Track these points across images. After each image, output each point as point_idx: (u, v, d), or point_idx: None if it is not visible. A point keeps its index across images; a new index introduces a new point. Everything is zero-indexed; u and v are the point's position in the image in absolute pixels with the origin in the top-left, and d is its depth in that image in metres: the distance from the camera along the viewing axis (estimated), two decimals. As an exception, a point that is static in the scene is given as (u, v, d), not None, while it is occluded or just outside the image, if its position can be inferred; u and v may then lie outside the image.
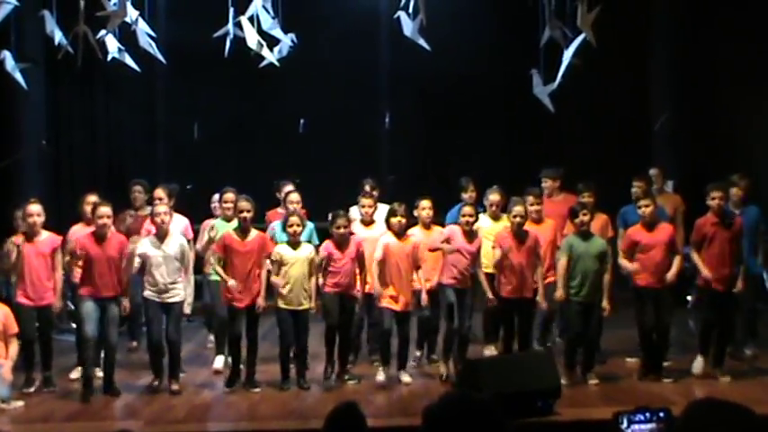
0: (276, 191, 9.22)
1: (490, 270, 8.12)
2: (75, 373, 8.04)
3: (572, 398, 7.22)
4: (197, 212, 9.20)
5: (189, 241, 8.33)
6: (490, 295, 7.99)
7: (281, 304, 7.74)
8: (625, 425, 4.67)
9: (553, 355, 7.79)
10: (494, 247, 7.96)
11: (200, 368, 8.56)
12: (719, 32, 12.30)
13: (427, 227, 8.17)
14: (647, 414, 4.64)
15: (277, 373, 7.87)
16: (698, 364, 7.90)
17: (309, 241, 8.21)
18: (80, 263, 7.67)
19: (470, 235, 7.87)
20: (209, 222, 8.80)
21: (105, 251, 7.58)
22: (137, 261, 7.71)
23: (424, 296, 7.90)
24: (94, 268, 7.54)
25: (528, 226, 8.08)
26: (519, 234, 7.88)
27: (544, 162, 9.51)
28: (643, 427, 4.63)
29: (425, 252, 7.94)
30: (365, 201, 8.47)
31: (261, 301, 7.75)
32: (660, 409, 4.39)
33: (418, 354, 8.59)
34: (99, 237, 7.60)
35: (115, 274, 7.61)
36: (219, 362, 8.25)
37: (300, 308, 7.75)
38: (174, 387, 7.69)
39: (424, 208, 8.14)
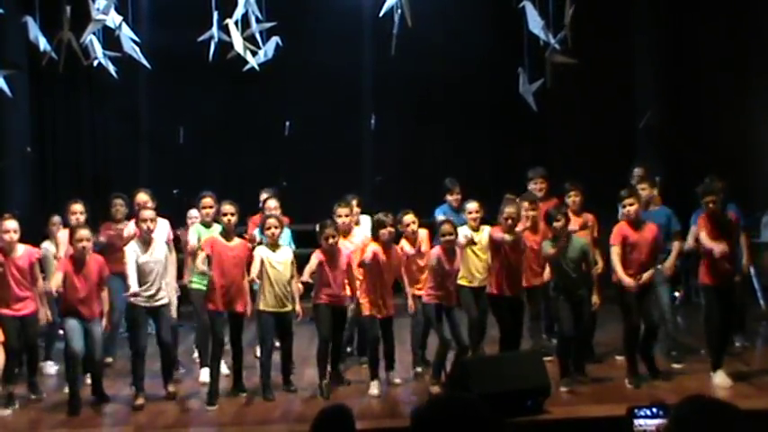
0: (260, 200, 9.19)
1: (464, 283, 8.10)
2: (50, 369, 8.05)
3: (561, 396, 7.23)
4: (183, 217, 9.17)
5: (168, 243, 8.26)
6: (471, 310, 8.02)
7: (262, 307, 7.64)
8: (635, 419, 4.70)
9: (542, 354, 7.81)
10: (492, 243, 7.94)
11: (188, 374, 8.53)
12: (703, 29, 12.37)
13: (412, 242, 8.05)
14: (654, 409, 4.66)
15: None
16: (719, 378, 7.55)
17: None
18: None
19: (451, 253, 7.78)
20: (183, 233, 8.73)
21: (86, 277, 7.49)
22: (132, 273, 7.53)
23: (410, 302, 7.87)
24: (75, 293, 7.44)
25: (525, 234, 8.09)
26: (510, 235, 7.86)
27: (529, 161, 9.52)
28: (649, 422, 4.66)
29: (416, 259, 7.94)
30: (341, 210, 8.33)
31: (249, 308, 7.69)
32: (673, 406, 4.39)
33: (419, 369, 8.37)
34: (78, 262, 7.51)
35: (96, 296, 7.54)
36: (205, 374, 7.98)
37: (283, 310, 7.69)
38: (171, 389, 7.66)
39: (408, 223, 8.01)
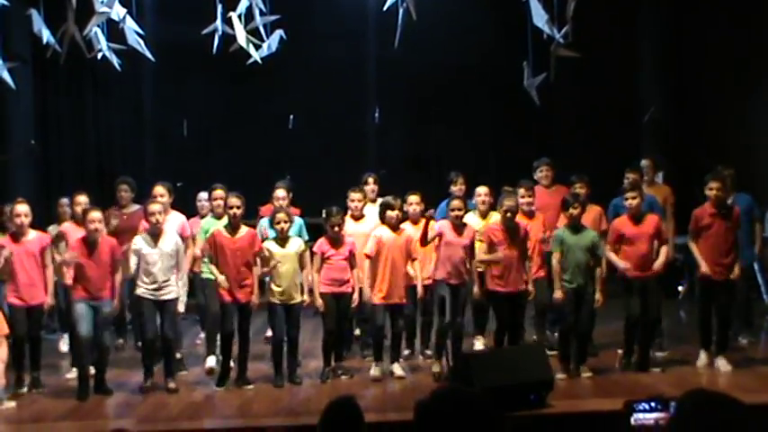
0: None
1: (480, 268, 8.13)
2: (72, 374, 8.06)
3: (564, 390, 7.23)
4: (187, 210, 9.17)
5: (186, 239, 8.31)
6: (476, 290, 7.99)
7: (273, 299, 7.72)
8: (633, 413, 4.70)
9: (545, 347, 7.82)
10: (480, 241, 7.94)
11: (193, 366, 8.56)
12: (707, 23, 12.34)
13: (415, 222, 8.13)
14: (652, 403, 4.67)
15: (269, 369, 7.88)
16: (702, 358, 7.88)
17: (300, 235, 8.22)
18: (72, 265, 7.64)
19: (460, 228, 7.85)
20: (195, 221, 8.80)
21: (97, 256, 7.55)
22: (133, 261, 7.63)
23: (419, 289, 7.89)
24: (86, 273, 7.51)
25: (519, 219, 8.09)
26: (510, 227, 7.86)
27: (533, 155, 9.52)
28: (648, 416, 4.66)
29: (417, 247, 7.92)
30: (354, 195, 8.45)
31: (255, 299, 7.73)
32: (671, 399, 4.38)
33: (407, 352, 8.56)
34: (90, 242, 7.57)
35: (107, 278, 7.60)
36: (212, 361, 8.15)
37: (292, 302, 7.75)
38: (171, 385, 7.66)
39: (412, 203, 8.11)
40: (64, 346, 8.97)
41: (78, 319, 7.50)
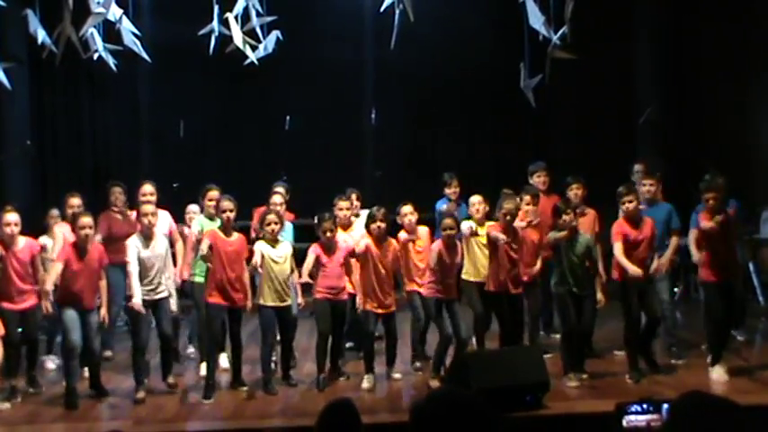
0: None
1: (468, 278, 8.10)
2: (51, 364, 8.11)
3: (560, 391, 7.22)
4: (183, 210, 9.15)
5: (171, 235, 8.26)
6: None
7: (263, 302, 7.64)
8: (625, 415, 4.70)
9: (541, 349, 7.81)
10: (490, 241, 7.89)
11: (188, 368, 8.54)
12: (704, 25, 12.35)
13: (410, 233, 8.00)
14: (644, 405, 4.67)
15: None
16: (717, 373, 7.54)
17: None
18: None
19: (452, 247, 7.76)
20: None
21: (87, 265, 7.46)
22: (135, 282, 7.50)
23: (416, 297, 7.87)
24: (76, 282, 7.41)
25: (528, 227, 8.08)
26: (509, 231, 7.84)
27: (529, 156, 9.52)
28: (639, 417, 4.66)
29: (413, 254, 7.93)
30: (341, 203, 8.37)
31: (249, 303, 7.67)
32: (663, 401, 4.38)
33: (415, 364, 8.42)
34: (81, 249, 7.46)
35: (95, 286, 7.53)
36: (205, 368, 8.04)
37: (283, 304, 7.69)
38: (170, 380, 7.66)
39: (406, 214, 7.93)
40: (51, 364, 8.81)
41: (68, 327, 7.40)
